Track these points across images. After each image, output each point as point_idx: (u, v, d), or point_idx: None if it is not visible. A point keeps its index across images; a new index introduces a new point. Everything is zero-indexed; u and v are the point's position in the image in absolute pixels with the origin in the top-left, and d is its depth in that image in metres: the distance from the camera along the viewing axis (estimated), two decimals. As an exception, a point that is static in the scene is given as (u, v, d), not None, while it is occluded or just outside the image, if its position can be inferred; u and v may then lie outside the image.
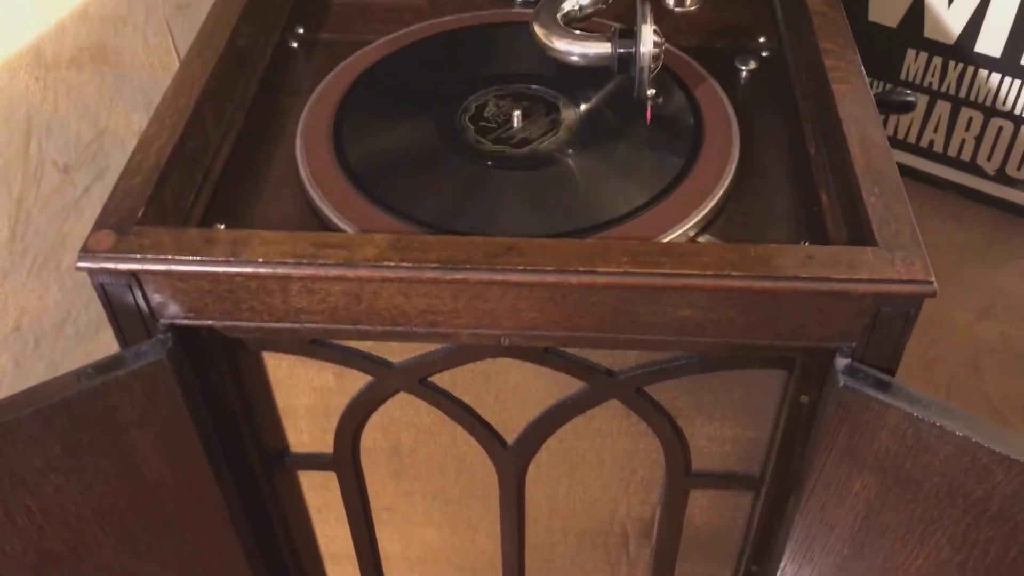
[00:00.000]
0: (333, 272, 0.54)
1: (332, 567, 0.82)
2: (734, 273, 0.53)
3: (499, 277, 0.54)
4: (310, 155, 0.67)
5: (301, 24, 0.82)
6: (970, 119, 1.03)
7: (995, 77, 0.99)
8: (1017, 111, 1.00)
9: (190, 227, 0.63)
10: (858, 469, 0.57)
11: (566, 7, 0.71)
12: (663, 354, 0.61)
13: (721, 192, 0.64)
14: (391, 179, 0.66)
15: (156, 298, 0.57)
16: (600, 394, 0.64)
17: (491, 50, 0.78)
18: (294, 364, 0.65)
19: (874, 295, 0.53)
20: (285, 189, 0.67)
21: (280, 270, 0.54)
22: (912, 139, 1.08)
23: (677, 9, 0.84)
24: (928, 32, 1.00)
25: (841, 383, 0.55)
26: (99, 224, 0.57)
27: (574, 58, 0.68)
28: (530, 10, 0.81)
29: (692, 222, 0.62)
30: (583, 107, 0.71)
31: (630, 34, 0.66)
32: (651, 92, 0.66)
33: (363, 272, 0.54)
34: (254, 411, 0.67)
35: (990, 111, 1.01)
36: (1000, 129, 1.02)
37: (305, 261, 0.54)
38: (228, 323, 0.58)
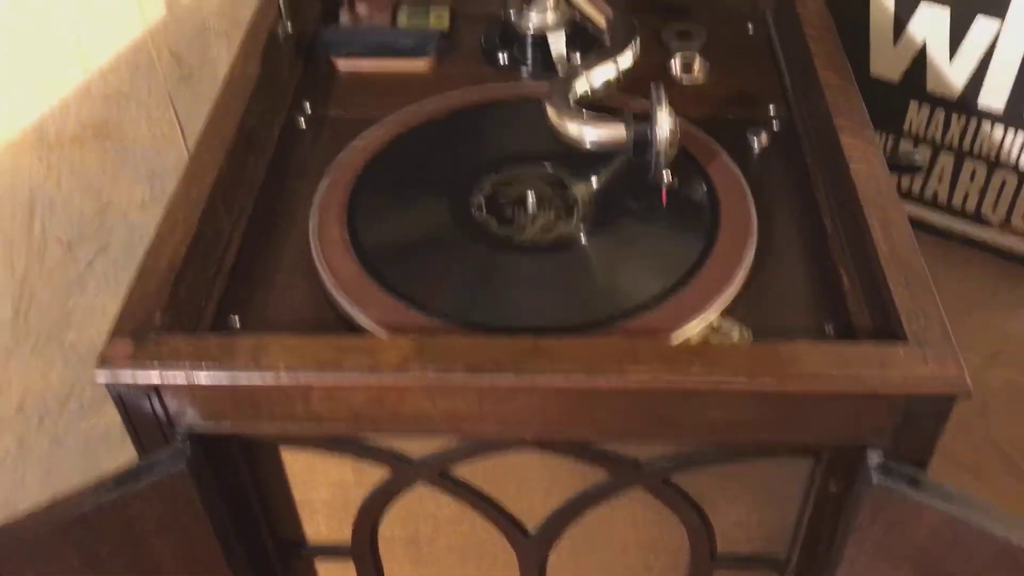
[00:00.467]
0: (357, 380, 0.53)
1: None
2: (766, 377, 0.52)
3: (528, 382, 0.53)
4: (324, 243, 0.66)
5: (308, 100, 0.81)
6: (974, 171, 1.04)
7: (998, 130, 1.00)
8: (1021, 164, 1.00)
9: (206, 329, 0.62)
10: (894, 564, 0.56)
11: (578, 88, 0.70)
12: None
13: (741, 276, 0.63)
14: (407, 267, 0.65)
15: (175, 406, 0.56)
16: (625, 483, 0.63)
17: (502, 126, 0.77)
18: (312, 458, 0.64)
19: (906, 395, 0.52)
20: (299, 277, 0.66)
21: (302, 379, 0.53)
22: (916, 190, 1.08)
23: (684, 79, 0.83)
24: (931, 86, 1.01)
25: (875, 481, 0.54)
26: (116, 331, 0.55)
27: (588, 142, 0.68)
28: (539, 82, 0.81)
29: (713, 309, 0.61)
30: (598, 187, 0.71)
31: (645, 116, 0.66)
32: (667, 175, 0.66)
33: (387, 379, 0.53)
34: (271, 505, 0.66)
35: (994, 164, 1.02)
36: (1004, 181, 1.02)
37: (328, 368, 0.53)
38: (247, 428, 0.57)
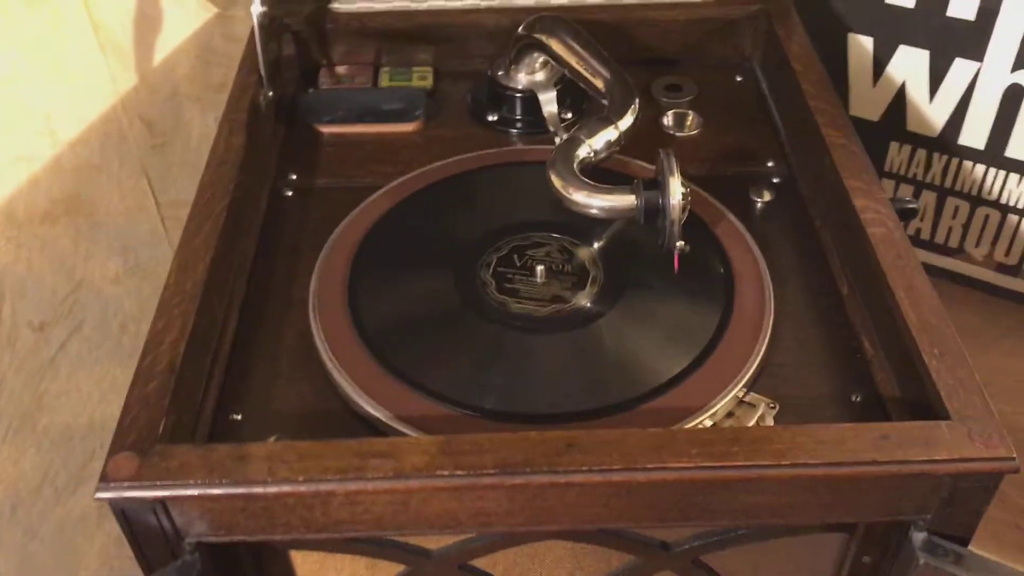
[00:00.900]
0: (380, 486, 0.50)
1: None
2: (810, 461, 0.50)
3: (562, 480, 0.50)
4: (326, 330, 0.63)
5: (293, 170, 0.78)
6: (956, 208, 1.04)
7: (980, 168, 1.00)
8: (1003, 200, 1.00)
9: (205, 429, 0.58)
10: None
11: (581, 154, 0.68)
12: (720, 525, 0.58)
13: (764, 347, 0.62)
14: (416, 352, 0.62)
15: (183, 518, 0.52)
16: (654, 567, 0.61)
17: (502, 193, 0.75)
18: (324, 557, 0.60)
19: (952, 474, 0.50)
20: (301, 365, 0.63)
21: (323, 488, 0.50)
22: (900, 228, 1.08)
23: (678, 134, 0.82)
24: (911, 126, 1.01)
25: (921, 561, 0.52)
26: (117, 445, 0.52)
27: (595, 211, 0.65)
28: (536, 147, 0.79)
29: (739, 384, 0.60)
30: (607, 256, 0.68)
31: (654, 184, 0.64)
32: (680, 243, 0.64)
33: (414, 483, 0.50)
34: (280, 607, 0.63)
35: (976, 200, 1.02)
36: (987, 217, 1.03)
37: (350, 477, 0.50)
38: (261, 536, 0.54)
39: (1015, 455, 0.50)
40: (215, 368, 0.62)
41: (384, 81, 0.87)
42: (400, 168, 0.78)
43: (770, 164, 0.78)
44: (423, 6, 0.87)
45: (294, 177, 0.78)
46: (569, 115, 0.82)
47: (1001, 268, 1.04)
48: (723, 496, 0.52)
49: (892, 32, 0.95)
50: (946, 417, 0.52)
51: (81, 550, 0.94)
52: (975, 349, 1.19)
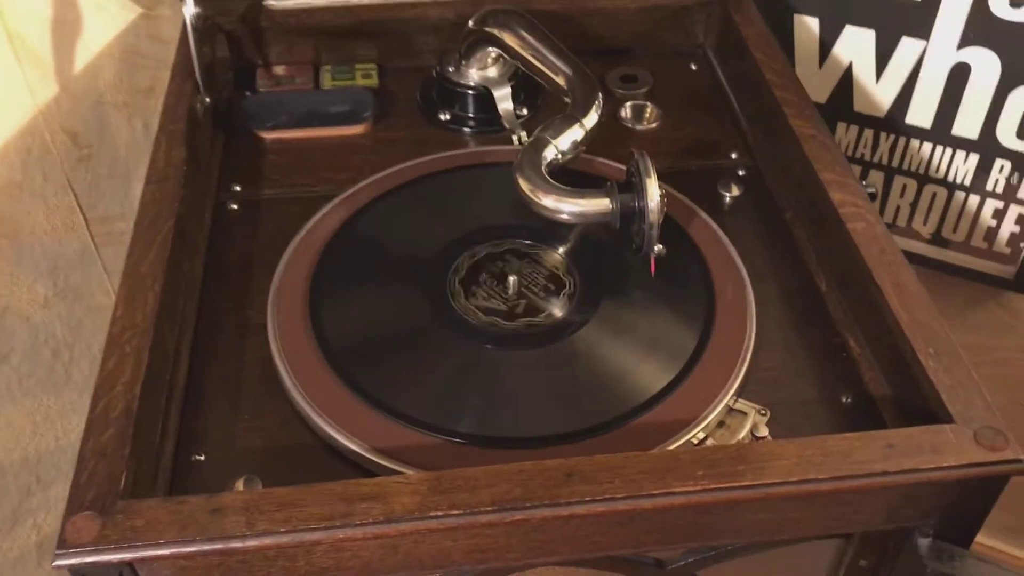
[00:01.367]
0: (371, 531, 0.47)
1: None
2: (819, 476, 0.48)
3: (564, 512, 0.47)
4: (289, 355, 0.59)
5: (236, 181, 0.73)
6: (904, 186, 1.04)
7: (927, 147, 1.00)
8: (950, 177, 1.01)
9: (167, 473, 0.54)
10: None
11: (548, 156, 0.65)
12: (717, 539, 0.56)
13: (750, 351, 0.60)
14: (388, 375, 0.58)
15: (152, 578, 0.48)
16: (648, 585, 0.59)
17: (465, 199, 0.71)
18: (301, 600, 0.56)
19: (960, 480, 0.49)
20: (264, 395, 0.59)
21: (307, 537, 0.46)
22: (848, 209, 1.07)
23: (637, 127, 0.79)
24: (858, 106, 1.00)
25: (928, 569, 0.51)
26: (75, 504, 0.47)
27: (566, 216, 0.62)
28: (495, 148, 0.75)
29: (729, 392, 0.57)
30: (579, 261, 0.66)
31: (628, 186, 0.61)
32: (658, 247, 0.61)
33: (406, 527, 0.47)
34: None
35: (923, 178, 1.02)
36: (934, 195, 1.03)
37: (336, 524, 0.46)
38: (238, 589, 0.50)
39: (1023, 456, 0.49)
40: (171, 406, 0.57)
41: (326, 81, 0.82)
42: (352, 175, 0.73)
43: (734, 156, 0.76)
44: (363, 0, 0.83)
45: (238, 189, 0.73)
46: (525, 111, 0.79)
47: (949, 245, 1.04)
48: (729, 516, 0.50)
49: (838, 12, 0.94)
50: (948, 420, 0.51)
51: (21, 593, 0.88)
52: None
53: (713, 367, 0.59)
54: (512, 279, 0.63)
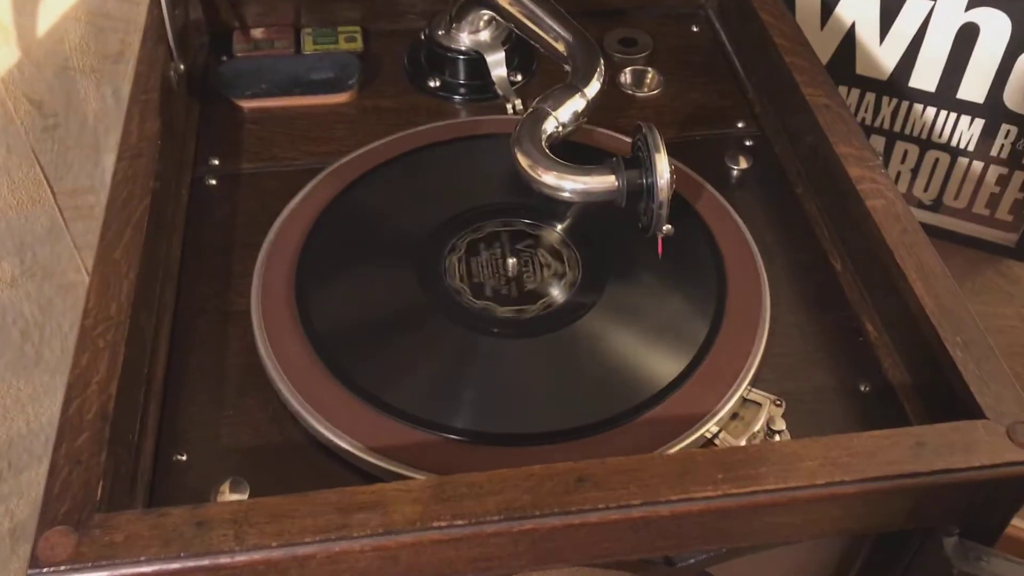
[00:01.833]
0: (369, 543, 0.43)
1: None
2: (846, 479, 0.45)
3: (576, 520, 0.44)
4: (275, 345, 0.55)
5: (214, 154, 0.69)
6: (905, 152, 1.01)
7: (930, 111, 0.97)
8: (953, 143, 0.98)
9: (147, 475, 0.50)
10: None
11: (548, 129, 0.61)
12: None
13: (764, 337, 0.56)
14: (381, 367, 0.55)
15: (133, 596, 0.44)
16: (657, 583, 0.56)
17: (459, 173, 0.67)
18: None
19: (992, 480, 0.47)
20: (247, 390, 0.55)
21: (300, 551, 0.43)
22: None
23: (638, 94, 0.75)
24: (860, 69, 0.97)
25: (956, 571, 0.49)
26: (48, 518, 0.43)
27: (568, 195, 0.59)
28: (489, 118, 0.71)
29: (744, 382, 0.54)
30: (581, 242, 0.62)
31: (635, 162, 0.58)
32: (667, 227, 0.58)
33: (407, 538, 0.44)
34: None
35: (926, 144, 0.99)
36: (936, 160, 1.00)
37: (332, 536, 0.43)
38: (227, 603, 0.47)
39: (1059, 454, 0.46)
40: (149, 402, 0.53)
41: (308, 45, 0.77)
42: (337, 147, 0.69)
43: (740, 125, 0.72)
44: (346, -42, 0.78)
45: (216, 163, 0.68)
46: (519, 78, 0.75)
47: (949, 211, 1.02)
48: (749, 519, 0.47)
49: (842, -30, 0.90)
50: (978, 414, 0.48)
51: (-6, 579, 0.85)
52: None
53: (726, 355, 0.56)
54: (511, 261, 0.60)
